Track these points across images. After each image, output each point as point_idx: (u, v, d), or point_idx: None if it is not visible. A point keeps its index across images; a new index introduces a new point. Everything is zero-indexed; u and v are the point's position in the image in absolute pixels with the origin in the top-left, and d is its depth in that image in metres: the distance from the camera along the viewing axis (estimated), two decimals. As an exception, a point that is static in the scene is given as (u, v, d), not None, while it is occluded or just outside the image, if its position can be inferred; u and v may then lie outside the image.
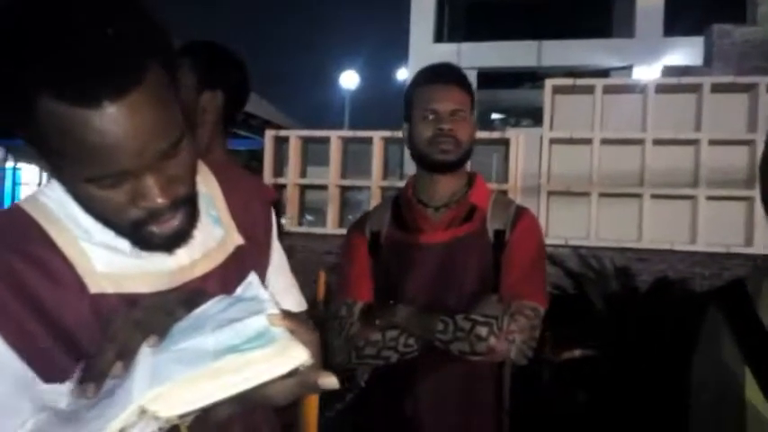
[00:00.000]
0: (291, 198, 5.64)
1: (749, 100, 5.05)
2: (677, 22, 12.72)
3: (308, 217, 5.95)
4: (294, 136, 5.77)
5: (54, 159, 0.66)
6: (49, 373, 0.66)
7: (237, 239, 0.85)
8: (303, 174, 5.78)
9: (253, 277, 0.69)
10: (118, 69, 0.61)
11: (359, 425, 1.57)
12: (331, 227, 5.52)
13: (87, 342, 0.66)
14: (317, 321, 0.77)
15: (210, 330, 0.60)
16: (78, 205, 0.71)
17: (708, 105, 5.00)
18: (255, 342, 0.59)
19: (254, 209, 0.90)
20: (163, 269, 0.75)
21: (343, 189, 5.72)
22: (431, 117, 1.49)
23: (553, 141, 5.20)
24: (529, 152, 5.27)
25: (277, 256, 0.94)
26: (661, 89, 5.19)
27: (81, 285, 0.71)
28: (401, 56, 14.95)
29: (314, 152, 5.91)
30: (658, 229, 5.01)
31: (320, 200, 5.75)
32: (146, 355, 0.59)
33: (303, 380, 0.61)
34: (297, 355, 0.60)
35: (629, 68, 13.04)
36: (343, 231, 5.41)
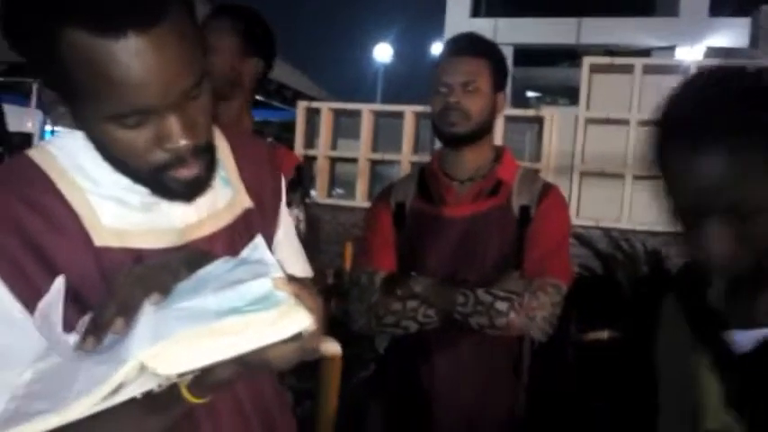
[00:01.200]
0: (321, 170, 5.66)
1: (796, 84, 4.87)
2: (723, 2, 12.28)
3: (338, 189, 5.96)
4: (326, 108, 5.76)
5: (76, 98, 0.65)
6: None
7: (246, 202, 0.84)
8: (334, 146, 5.78)
9: (259, 240, 0.68)
10: (144, 1, 0.61)
11: (376, 392, 1.59)
12: (360, 200, 5.53)
13: (90, 295, 0.66)
14: (341, 291, 0.76)
15: (213, 291, 0.60)
16: (97, 150, 0.70)
17: (752, 88, 4.84)
18: (258, 304, 0.58)
19: (264, 173, 0.89)
20: (170, 226, 0.74)
21: (374, 163, 5.71)
22: (443, 90, 1.48)
23: (589, 121, 5.09)
24: (563, 131, 5.17)
25: (285, 222, 0.93)
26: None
27: (86, 237, 0.70)
28: (437, 30, 14.76)
29: (345, 125, 5.90)
30: (693, 214, 4.90)
31: (350, 173, 5.76)
32: (148, 313, 0.59)
33: (304, 345, 0.60)
34: (300, 320, 0.59)
35: (671, 49, 12.66)
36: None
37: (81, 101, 0.65)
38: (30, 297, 0.66)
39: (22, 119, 8.53)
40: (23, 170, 0.72)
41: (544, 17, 12.96)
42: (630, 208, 4.91)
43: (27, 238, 0.67)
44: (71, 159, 0.73)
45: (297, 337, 0.59)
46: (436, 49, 15.96)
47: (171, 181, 0.70)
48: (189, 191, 0.72)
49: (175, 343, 0.55)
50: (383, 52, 18.95)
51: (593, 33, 13.04)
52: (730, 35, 11.35)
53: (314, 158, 5.65)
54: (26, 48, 0.65)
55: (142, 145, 0.66)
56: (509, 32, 12.53)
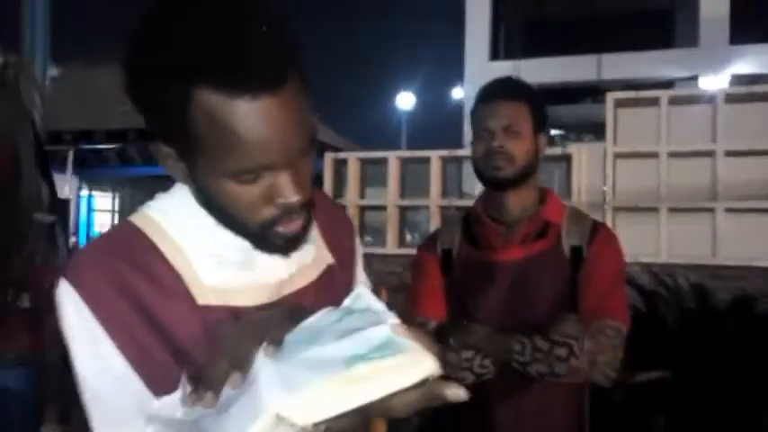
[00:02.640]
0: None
1: (828, 107, 4.78)
2: (744, 30, 12.25)
3: (368, 238, 5.97)
4: (353, 158, 5.82)
5: (197, 154, 0.67)
6: (163, 387, 0.67)
7: (328, 258, 0.86)
8: (362, 195, 5.81)
9: (362, 289, 0.69)
10: (275, 63, 0.64)
11: None
12: (391, 247, 5.51)
13: (196, 354, 0.68)
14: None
15: (333, 340, 0.60)
16: (206, 205, 0.73)
17: (783, 114, 4.77)
18: (384, 351, 0.58)
19: (341, 233, 0.92)
20: (265, 282, 0.77)
21: (402, 209, 5.72)
22: (484, 135, 1.48)
23: (617, 156, 5.05)
24: (592, 168, 5.13)
25: (362, 280, 0.95)
26: (731, 99, 4.98)
27: (189, 297, 0.72)
28: (457, 75, 14.95)
29: (372, 173, 5.95)
30: (734, 244, 4.77)
31: (379, 220, 5.77)
32: (266, 365, 0.59)
33: (429, 391, 0.60)
34: (428, 365, 0.59)
35: (693, 79, 12.61)
36: (403, 251, 5.39)
37: (200, 157, 0.68)
38: (142, 361, 0.68)
39: (60, 185, 8.81)
40: (126, 235, 0.75)
41: (563, 56, 13.06)
42: (668, 241, 4.81)
43: (136, 302, 0.70)
44: (170, 220, 0.76)
45: (422, 383, 0.59)
46: (457, 93, 16.13)
47: (275, 235, 0.72)
48: (289, 245, 0.74)
49: (311, 392, 0.55)
50: (406, 100, 19.27)
51: (613, 69, 13.07)
52: (753, 62, 11.28)
53: (343, 208, 5.68)
54: (152, 107, 0.68)
55: (255, 200, 0.69)
56: (530, 73, 12.62)
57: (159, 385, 0.67)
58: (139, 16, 0.68)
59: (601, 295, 1.39)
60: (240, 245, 0.74)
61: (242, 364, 0.60)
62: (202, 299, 0.72)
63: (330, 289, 0.81)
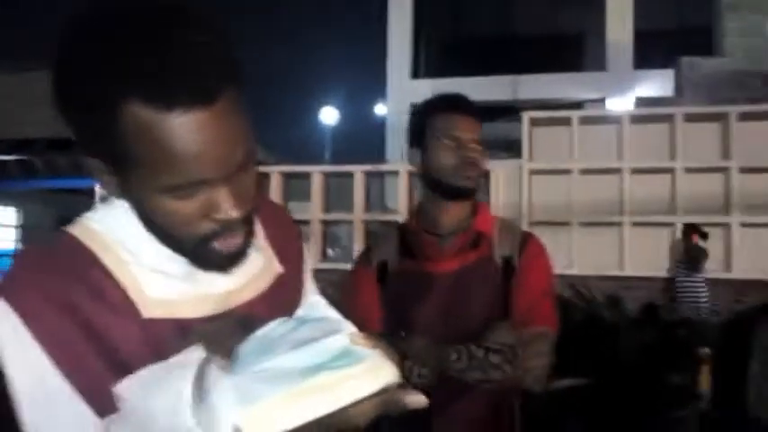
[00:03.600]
0: (273, 234, 5.61)
1: (721, 128, 5.18)
2: (647, 56, 13.08)
3: (291, 252, 5.91)
4: (276, 172, 5.77)
5: (129, 169, 0.65)
6: (108, 405, 0.64)
7: (278, 267, 0.84)
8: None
9: (316, 298, 0.67)
10: (207, 76, 0.62)
11: None
12: (313, 261, 5.49)
13: (139, 367, 0.65)
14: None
15: (288, 350, 0.58)
16: (142, 220, 0.70)
17: (681, 134, 5.12)
18: (343, 360, 0.58)
19: (289, 239, 0.90)
20: (212, 294, 0.74)
21: (326, 223, 5.71)
22: (451, 144, 1.49)
23: (533, 172, 5.27)
24: (508, 184, 5.32)
25: (311, 286, 0.93)
26: (636, 120, 5.31)
27: (133, 310, 0.69)
28: (379, 91, 15.13)
29: (295, 187, 5.91)
30: (639, 256, 5.07)
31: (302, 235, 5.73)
32: (219, 377, 0.57)
33: (389, 399, 0.59)
34: (388, 373, 0.58)
35: (601, 101, 13.33)
36: (326, 266, 5.34)
37: (133, 172, 0.65)
38: (86, 381, 0.65)
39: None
40: (67, 248, 0.71)
41: (481, 75, 13.50)
42: (580, 254, 5.04)
43: (78, 318, 0.67)
44: (112, 233, 0.73)
45: (381, 391, 0.58)
46: (380, 110, 16.30)
47: (212, 252, 0.70)
48: (228, 261, 0.71)
49: (271, 403, 0.54)
50: (329, 115, 19.30)
51: (527, 89, 13.63)
52: (656, 86, 12.05)
53: (265, 222, 5.61)
54: (80, 120, 0.65)
55: (191, 215, 0.67)
56: (448, 92, 12.94)
57: (105, 404, 0.64)
58: (66, 27, 0.65)
59: (532, 303, 1.43)
60: (181, 258, 0.72)
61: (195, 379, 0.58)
62: (147, 312, 0.70)
63: (281, 299, 0.79)
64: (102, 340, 0.67)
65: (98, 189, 10.82)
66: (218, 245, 0.69)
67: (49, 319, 0.66)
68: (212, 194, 0.66)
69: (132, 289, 0.70)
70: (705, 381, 3.00)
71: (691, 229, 4.80)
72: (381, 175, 5.71)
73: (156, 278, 0.72)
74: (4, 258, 10.90)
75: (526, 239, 1.52)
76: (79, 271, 0.69)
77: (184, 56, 0.61)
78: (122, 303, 0.69)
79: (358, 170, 5.55)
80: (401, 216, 5.54)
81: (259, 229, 0.84)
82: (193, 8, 0.65)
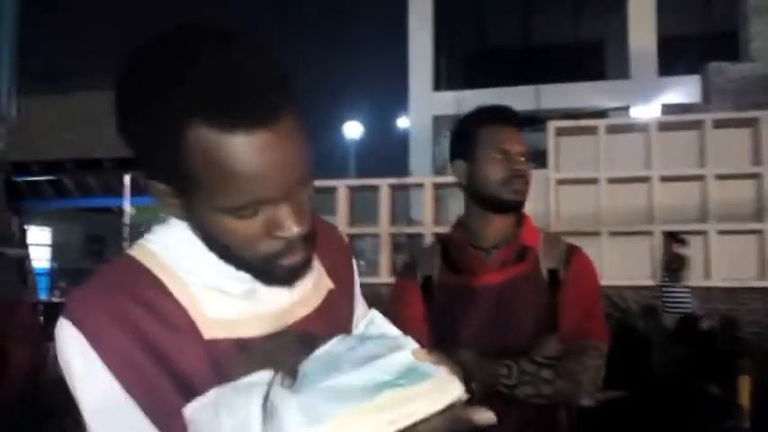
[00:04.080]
0: (300, 248, 5.63)
1: (751, 134, 5.09)
2: (672, 62, 12.95)
3: (317, 267, 5.93)
4: (301, 186, 5.80)
5: (192, 190, 0.66)
6: (172, 426, 0.65)
7: (329, 283, 0.85)
8: (311, 224, 5.79)
9: (374, 314, 0.67)
10: (268, 98, 0.63)
11: None
12: (341, 276, 5.50)
13: (203, 389, 0.65)
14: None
15: (351, 368, 0.58)
16: (205, 240, 0.71)
17: (711, 141, 5.05)
18: (409, 377, 0.57)
19: (341, 258, 0.90)
20: (269, 312, 0.74)
21: (352, 237, 5.72)
22: (499, 157, 1.49)
23: (559, 182, 5.22)
24: (535, 194, 5.28)
25: (362, 306, 0.93)
26: (663, 127, 5.24)
27: (195, 331, 0.70)
28: (402, 104, 15.18)
29: (321, 202, 5.94)
30: (671, 265, 4.98)
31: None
32: (285, 396, 0.56)
33: (456, 415, 0.58)
34: (454, 390, 0.58)
35: (625, 109, 13.20)
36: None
37: (197, 193, 0.66)
38: (150, 401, 0.66)
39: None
40: (127, 270, 0.72)
41: (504, 86, 13.48)
42: (610, 264, 4.97)
43: (142, 339, 0.68)
44: (169, 253, 0.73)
45: (447, 408, 0.57)
46: (402, 123, 16.35)
47: (277, 268, 0.70)
48: (293, 276, 0.72)
49: (339, 423, 0.54)
50: (353, 129, 19.41)
51: (551, 99, 13.56)
52: (682, 92, 11.90)
53: (292, 237, 5.64)
54: (145, 143, 0.66)
55: (255, 234, 0.67)
56: (472, 103, 12.90)
57: (172, 427, 0.65)
58: (129, 54, 0.67)
59: (581, 316, 1.41)
60: (241, 276, 0.72)
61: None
62: (208, 332, 0.70)
63: (333, 314, 0.80)
64: (166, 361, 0.68)
65: (127, 208, 10.98)
66: (284, 261, 0.70)
67: (116, 341, 0.67)
68: (274, 213, 0.67)
69: (192, 309, 0.71)
70: (745, 392, 2.92)
71: (670, 237, 4.69)
72: (406, 187, 5.71)
73: (216, 297, 0.72)
74: (42, 277, 11.13)
75: (572, 252, 1.50)
76: (140, 292, 0.70)
77: (246, 78, 0.63)
78: (184, 324, 0.70)
79: (383, 183, 5.56)
80: (427, 228, 5.52)
81: None
82: (249, 34, 0.67)
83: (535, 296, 1.44)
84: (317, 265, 0.83)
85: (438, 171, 12.04)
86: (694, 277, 4.93)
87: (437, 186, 5.39)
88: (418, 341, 1.57)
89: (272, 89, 0.64)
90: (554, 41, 14.93)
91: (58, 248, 14.13)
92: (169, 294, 0.71)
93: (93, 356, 0.66)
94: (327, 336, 0.66)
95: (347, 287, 0.90)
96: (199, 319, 0.71)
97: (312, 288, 0.81)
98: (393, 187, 5.60)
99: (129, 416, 0.66)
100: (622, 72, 13.93)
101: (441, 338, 1.46)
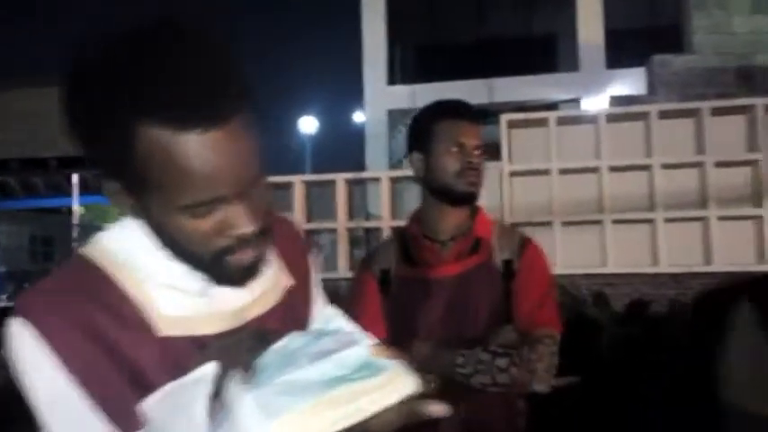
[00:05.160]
0: (257, 245, 5.59)
1: (695, 124, 5.27)
2: (619, 55, 13.28)
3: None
4: (256, 183, 5.74)
5: (146, 190, 0.66)
6: (129, 423, 0.65)
7: (287, 280, 0.85)
8: (267, 220, 5.74)
9: (332, 311, 0.69)
10: (221, 97, 0.63)
11: None
12: (298, 272, 5.47)
13: (158, 386, 0.66)
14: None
15: (307, 363, 0.59)
16: (160, 238, 0.70)
17: (656, 131, 5.21)
18: (364, 372, 0.58)
19: (296, 251, 0.91)
20: (226, 309, 0.74)
21: (309, 232, 5.70)
22: (455, 150, 1.50)
23: (512, 174, 5.31)
24: (488, 186, 5.37)
25: (321, 298, 0.94)
26: (611, 118, 5.39)
27: (150, 328, 0.70)
28: (356, 98, 15.17)
29: (277, 198, 5.89)
30: (621, 253, 5.13)
31: (286, 245, 5.71)
32: (240, 392, 0.57)
33: (411, 408, 0.60)
34: (408, 383, 0.59)
35: (575, 101, 13.49)
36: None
37: (150, 192, 0.66)
38: (107, 398, 0.66)
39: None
40: (81, 269, 0.72)
41: (457, 80, 13.59)
42: (562, 253, 5.09)
43: (97, 337, 0.67)
44: (125, 251, 0.73)
45: (402, 401, 0.59)
46: (358, 117, 16.34)
47: (229, 266, 0.70)
48: (243, 276, 0.72)
49: (296, 416, 0.54)
50: (308, 124, 19.31)
51: (503, 92, 13.75)
52: (628, 84, 12.23)
53: (248, 234, 5.58)
54: (96, 143, 0.66)
55: (208, 233, 0.68)
56: (426, 97, 12.98)
57: (125, 422, 0.65)
58: (78, 52, 0.65)
59: (535, 305, 1.45)
60: (196, 274, 0.72)
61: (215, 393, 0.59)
62: (164, 330, 0.70)
63: (292, 311, 0.81)
64: (121, 358, 0.68)
65: (76, 208, 10.67)
66: (234, 259, 0.70)
67: (69, 336, 0.67)
68: (227, 212, 0.67)
69: (147, 307, 0.71)
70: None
71: None
72: (363, 182, 5.72)
73: (171, 295, 0.72)
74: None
75: (525, 243, 1.53)
76: (95, 290, 0.70)
77: (198, 77, 0.62)
78: (138, 322, 0.70)
79: (339, 178, 5.55)
80: (384, 222, 5.55)
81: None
82: (204, 31, 0.67)
83: (490, 287, 1.48)
84: (275, 262, 0.84)
85: (394, 165, 12.08)
86: (643, 264, 5.09)
87: (394, 180, 5.42)
88: (376, 334, 1.59)
89: (224, 88, 0.64)
90: (506, 35, 15.12)
91: (4, 251, 13.64)
92: (124, 292, 0.70)
93: (45, 352, 0.66)
94: (285, 332, 0.67)
95: (306, 283, 0.91)
96: (154, 316, 0.70)
97: (270, 285, 0.82)
98: (349, 182, 5.60)
99: (82, 410, 0.66)
100: (572, 65, 14.22)
101: (398, 330, 1.48)
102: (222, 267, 0.70)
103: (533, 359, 1.38)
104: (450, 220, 1.53)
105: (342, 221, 5.49)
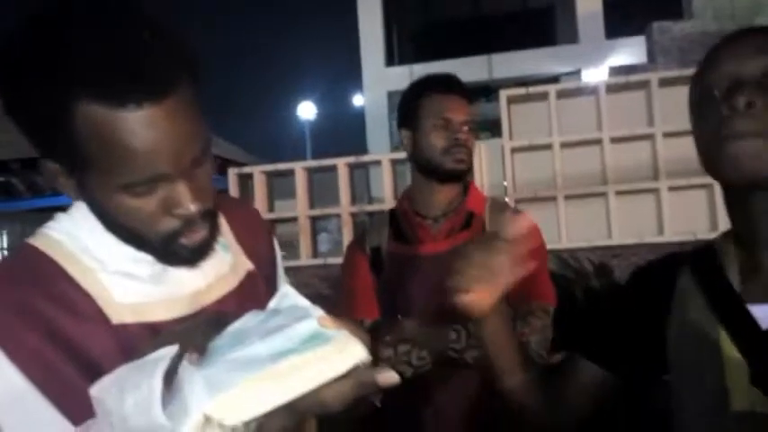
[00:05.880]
0: (261, 234, 5.59)
1: (696, 91, 5.21)
2: (618, 24, 13.14)
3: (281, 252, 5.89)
4: (258, 171, 5.73)
5: (85, 170, 0.65)
6: (81, 413, 0.64)
7: (247, 264, 0.85)
8: (271, 208, 5.75)
9: (287, 289, 0.68)
10: (158, 72, 0.62)
11: None
12: (304, 258, 5.48)
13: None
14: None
15: (259, 339, 0.59)
16: (104, 221, 0.71)
17: (657, 100, 5.15)
18: (312, 342, 0.58)
19: (259, 238, 0.91)
20: (181, 295, 0.75)
21: (313, 219, 5.70)
22: (441, 125, 1.49)
23: (514, 150, 5.28)
24: (491, 163, 5.33)
25: (283, 278, 0.94)
26: (611, 89, 5.33)
27: (103, 317, 0.70)
28: (355, 82, 15.08)
29: (279, 185, 5.88)
30: (626, 224, 5.11)
31: (291, 232, 5.72)
32: (190, 371, 0.57)
33: (361, 379, 0.59)
34: (356, 352, 0.59)
35: (576, 73, 13.37)
36: (317, 261, 5.33)
37: (91, 172, 0.65)
38: (58, 391, 0.66)
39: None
40: (29, 260, 0.71)
41: (456, 57, 13.48)
42: (567, 227, 5.07)
43: (46, 329, 0.67)
44: (74, 241, 0.73)
45: (351, 371, 0.58)
46: (357, 100, 16.27)
47: (179, 247, 0.70)
48: (195, 256, 0.72)
49: (239, 390, 0.54)
50: (307, 110, 19.26)
51: (503, 68, 13.63)
52: (629, 54, 12.11)
53: (252, 223, 5.58)
54: (33, 123, 0.65)
55: (152, 212, 0.67)
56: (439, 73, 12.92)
57: (78, 413, 0.64)
58: (10, 29, 0.64)
59: (528, 279, 1.45)
60: (147, 258, 0.72)
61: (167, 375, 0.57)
62: (117, 317, 0.70)
63: (253, 295, 0.80)
64: (74, 350, 0.67)
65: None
66: (184, 240, 0.70)
67: (21, 335, 0.66)
68: (171, 191, 0.67)
69: (100, 296, 0.70)
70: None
71: None
72: (365, 166, 5.70)
73: (124, 283, 0.72)
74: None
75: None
76: (43, 282, 0.69)
77: (134, 53, 0.61)
78: (91, 311, 0.69)
79: (340, 163, 5.53)
80: (387, 205, 5.53)
81: (227, 228, 0.85)
82: (141, 6, 0.66)
83: None
84: (234, 246, 0.84)
85: (396, 147, 12.05)
86: (649, 233, 5.07)
87: (395, 162, 5.40)
88: (369, 313, 1.59)
89: (161, 63, 0.63)
90: (503, 10, 14.97)
91: (10, 251, 13.77)
92: (75, 283, 0.70)
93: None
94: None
95: (268, 267, 0.91)
96: (106, 305, 0.71)
97: (228, 269, 0.82)
98: (351, 166, 5.58)
99: (37, 407, 0.66)
100: (571, 37, 14.07)
101: (391, 307, 1.48)
102: (172, 249, 0.70)
103: (526, 332, 1.38)
104: (441, 196, 1.53)
105: (345, 206, 5.49)
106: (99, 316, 0.69)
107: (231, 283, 0.81)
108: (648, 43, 7.48)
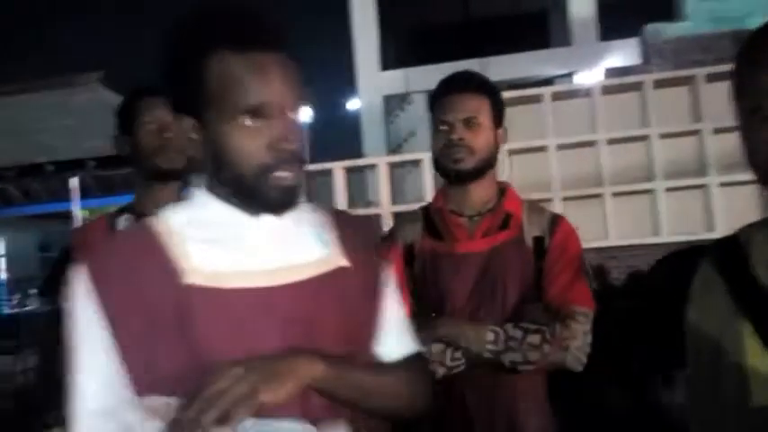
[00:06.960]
0: (259, 239, 5.58)
1: (690, 92, 5.24)
2: (611, 27, 13.19)
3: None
4: (254, 176, 5.73)
5: (206, 108, 0.82)
6: (137, 364, 0.78)
7: (341, 261, 0.89)
8: (268, 213, 5.74)
9: None
10: (274, 32, 0.84)
11: None
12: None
13: (169, 329, 0.78)
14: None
15: None
16: (213, 162, 0.83)
17: (652, 101, 5.18)
18: None
19: (364, 246, 0.95)
20: (261, 269, 0.83)
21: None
22: (443, 128, 1.47)
23: (510, 153, 5.30)
24: (488, 166, 5.36)
25: (393, 305, 0.96)
26: (606, 90, 5.36)
27: (177, 278, 0.81)
28: (350, 86, 15.10)
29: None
30: (622, 225, 5.13)
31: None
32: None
33: None
34: None
35: (569, 76, 13.41)
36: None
37: (214, 108, 0.82)
38: (128, 345, 0.79)
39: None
40: (140, 231, 0.88)
41: (450, 61, 13.51)
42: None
43: (133, 286, 0.81)
44: (178, 217, 0.86)
45: None
46: (353, 105, 16.28)
47: (271, 186, 0.81)
48: (283, 197, 0.83)
49: None
50: (303, 114, 19.32)
51: (497, 70, 13.65)
52: (623, 56, 12.15)
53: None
54: (179, 75, 0.84)
55: (257, 146, 0.81)
56: (420, 81, 12.95)
57: (136, 371, 0.78)
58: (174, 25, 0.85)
59: (567, 283, 1.41)
60: (234, 220, 0.83)
61: (226, 417, 0.68)
62: (189, 279, 0.80)
63: (336, 288, 0.86)
64: (147, 304, 0.80)
65: (77, 211, 10.67)
66: (275, 177, 0.81)
67: (108, 279, 0.81)
68: (273, 127, 0.81)
69: (182, 259, 0.82)
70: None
71: None
72: (361, 169, 5.71)
73: (204, 249, 0.83)
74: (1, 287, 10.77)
75: (557, 221, 1.49)
76: (141, 247, 0.84)
77: (258, 18, 0.83)
78: (170, 270, 0.81)
79: (337, 167, 5.54)
80: (384, 209, 5.54)
81: (332, 227, 0.93)
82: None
83: (521, 263, 1.43)
84: (332, 244, 0.87)
85: (393, 150, 12.05)
86: (645, 234, 5.09)
87: (392, 166, 5.41)
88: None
89: (275, 27, 0.84)
90: (497, 13, 15.01)
91: (11, 259, 13.68)
92: (166, 249, 0.83)
93: (92, 296, 0.81)
94: (315, 306, 0.80)
95: (368, 278, 0.94)
96: (185, 265, 0.81)
97: (316, 259, 0.86)
98: (347, 170, 5.59)
99: (104, 350, 0.80)
100: (565, 40, 14.12)
101: (426, 306, 1.44)
102: (264, 185, 0.81)
103: (567, 336, 1.34)
104: (473, 196, 1.49)
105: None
106: (174, 277, 0.80)
107: (314, 271, 0.85)
108: (642, 45, 7.53)
